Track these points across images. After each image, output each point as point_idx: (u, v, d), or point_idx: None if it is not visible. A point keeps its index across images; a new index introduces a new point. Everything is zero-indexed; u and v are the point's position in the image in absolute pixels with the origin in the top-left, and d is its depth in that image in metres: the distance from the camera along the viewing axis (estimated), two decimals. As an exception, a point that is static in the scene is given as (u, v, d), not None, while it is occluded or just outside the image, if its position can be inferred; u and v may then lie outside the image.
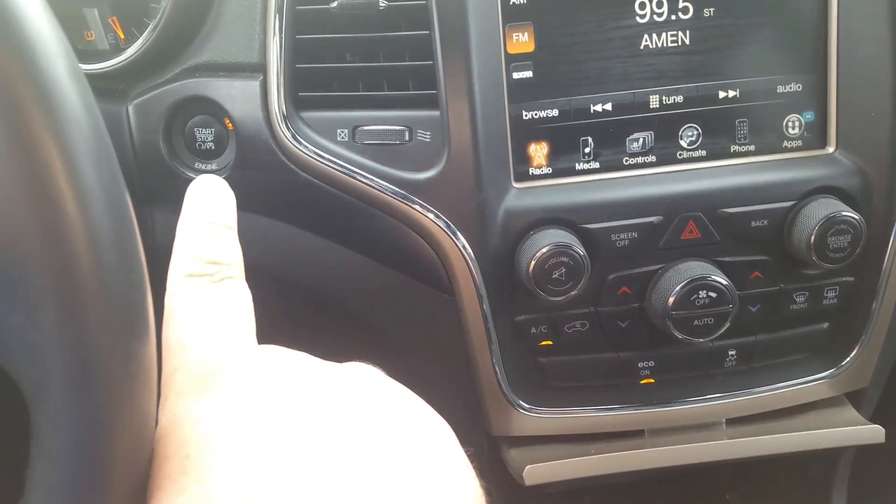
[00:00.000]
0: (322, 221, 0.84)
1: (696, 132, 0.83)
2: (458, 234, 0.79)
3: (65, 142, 0.32)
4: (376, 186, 0.79)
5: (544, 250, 0.77)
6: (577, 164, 0.83)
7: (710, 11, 0.80)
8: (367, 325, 0.91)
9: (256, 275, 0.90)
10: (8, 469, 0.36)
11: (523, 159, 0.82)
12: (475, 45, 0.76)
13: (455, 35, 0.75)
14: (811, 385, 0.91)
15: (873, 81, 0.81)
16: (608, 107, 0.82)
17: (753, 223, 0.81)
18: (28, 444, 0.35)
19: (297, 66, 0.80)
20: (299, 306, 0.95)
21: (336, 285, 0.89)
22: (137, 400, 0.36)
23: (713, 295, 0.80)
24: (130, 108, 0.84)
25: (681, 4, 0.80)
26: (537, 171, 0.82)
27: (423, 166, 0.78)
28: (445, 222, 0.79)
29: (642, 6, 0.79)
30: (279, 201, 0.84)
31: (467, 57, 0.75)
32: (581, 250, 0.77)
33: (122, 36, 0.90)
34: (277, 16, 0.79)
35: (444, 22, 0.75)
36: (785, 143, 0.84)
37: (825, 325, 0.89)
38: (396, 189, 0.79)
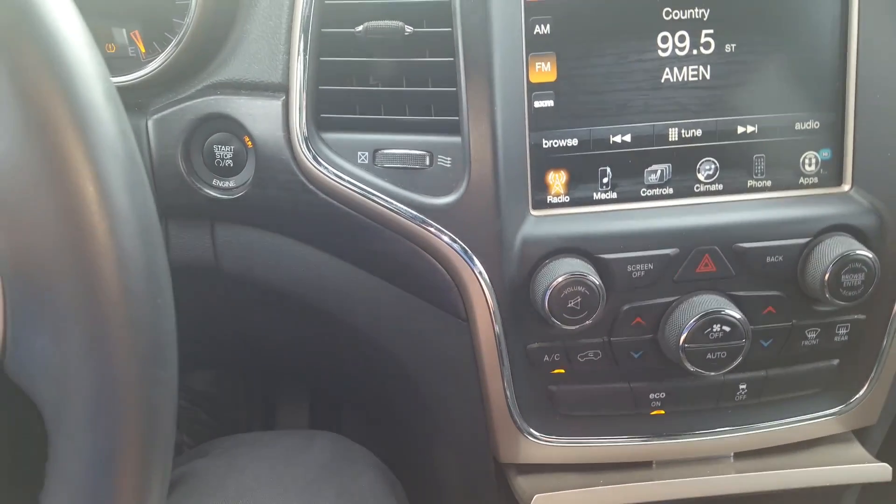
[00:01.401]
0: (338, 242, 0.85)
1: (713, 166, 0.84)
2: (475, 259, 0.79)
3: (99, 167, 0.33)
4: (395, 210, 0.79)
5: (560, 279, 0.77)
6: (594, 194, 0.83)
7: (731, 47, 0.81)
8: (379, 348, 0.91)
9: (270, 293, 0.91)
10: (21, 490, 0.36)
11: (542, 187, 0.82)
12: (498, 74, 0.76)
13: (479, 63, 0.76)
14: (820, 421, 0.91)
15: (890, 121, 0.82)
16: (627, 138, 0.82)
17: (769, 258, 0.82)
18: (44, 465, 0.34)
19: (321, 87, 0.80)
20: (312, 326, 0.95)
21: (350, 306, 0.89)
22: (160, 429, 0.36)
23: (727, 329, 0.80)
24: (150, 123, 0.84)
25: (703, 39, 0.80)
26: (555, 200, 0.83)
27: (442, 191, 0.79)
28: (463, 248, 0.79)
29: (664, 40, 0.80)
30: (296, 221, 0.84)
31: (490, 85, 0.76)
32: (597, 280, 0.78)
33: (143, 50, 0.91)
34: (302, 37, 0.79)
35: (469, 50, 0.76)
36: (801, 180, 0.85)
37: (835, 361, 0.89)
38: (415, 213, 0.79)
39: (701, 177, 0.84)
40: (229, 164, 0.86)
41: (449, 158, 0.78)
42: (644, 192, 0.84)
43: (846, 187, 0.84)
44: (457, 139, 0.78)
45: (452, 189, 0.78)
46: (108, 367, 0.32)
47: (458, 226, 0.79)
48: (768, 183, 0.84)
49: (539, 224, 0.81)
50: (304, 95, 0.79)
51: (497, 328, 0.82)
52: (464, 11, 0.75)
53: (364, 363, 0.99)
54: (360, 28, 0.78)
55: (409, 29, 0.77)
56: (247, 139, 0.84)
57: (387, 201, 0.79)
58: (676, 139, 0.83)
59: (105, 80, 0.34)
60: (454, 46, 0.76)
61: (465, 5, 0.75)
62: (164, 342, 0.35)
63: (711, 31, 0.80)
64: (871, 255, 0.80)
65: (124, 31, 0.90)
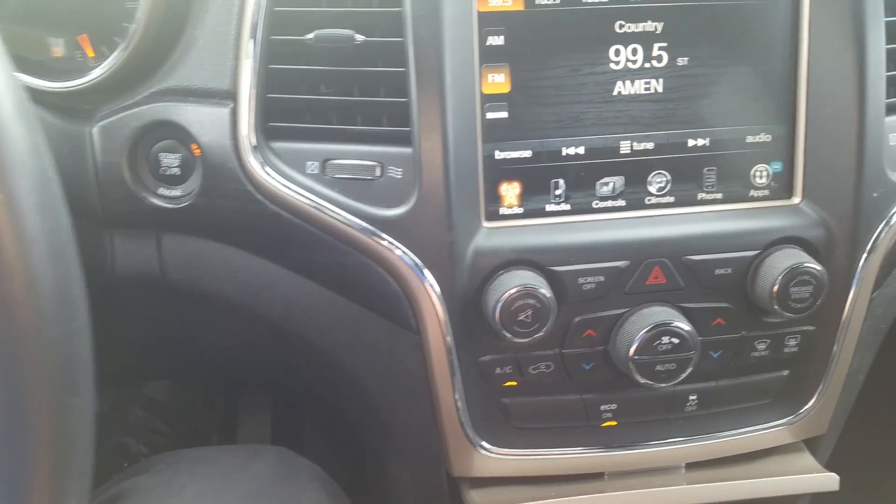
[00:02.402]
0: (287, 253, 0.83)
1: (665, 179, 0.84)
2: (426, 272, 0.78)
3: (6, 186, 0.31)
4: (344, 221, 0.78)
5: (512, 292, 0.77)
6: (547, 206, 0.83)
7: (683, 61, 0.81)
8: (331, 360, 0.89)
9: (219, 304, 0.90)
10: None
11: (494, 199, 0.82)
12: (450, 85, 0.76)
13: (430, 73, 0.75)
14: (770, 431, 0.92)
15: (840, 135, 0.83)
16: (580, 150, 0.82)
17: (717, 271, 0.82)
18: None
19: (269, 95, 0.78)
20: (263, 338, 0.93)
21: (300, 318, 0.87)
22: (75, 459, 0.34)
23: (676, 341, 0.81)
24: (95, 130, 0.82)
25: (655, 53, 0.81)
26: (508, 211, 0.82)
27: (393, 203, 0.78)
28: (414, 260, 0.78)
29: (617, 53, 0.80)
30: (244, 231, 0.83)
31: (442, 96, 0.75)
32: (548, 293, 0.77)
33: (92, 54, 0.88)
34: (251, 44, 0.78)
35: (421, 60, 0.75)
36: (752, 193, 0.85)
37: (785, 372, 0.90)
38: (365, 225, 0.78)
39: (652, 189, 0.84)
40: (176, 173, 0.84)
41: (400, 169, 0.77)
42: (596, 204, 0.84)
43: (796, 200, 0.85)
44: (408, 150, 0.77)
45: (403, 200, 0.78)
46: (17, 394, 0.30)
47: (408, 238, 0.78)
48: (719, 195, 0.85)
49: (491, 236, 0.80)
50: (253, 103, 0.78)
51: (448, 341, 0.81)
52: (415, 21, 0.74)
53: (317, 375, 0.97)
54: (310, 36, 0.76)
55: (359, 38, 0.76)
56: (194, 147, 0.82)
57: (336, 212, 0.78)
58: (628, 152, 0.83)
59: (15, 95, 0.32)
60: (406, 57, 0.75)
61: (416, 15, 0.74)
62: (78, 368, 0.33)
63: (664, 44, 0.81)
64: (819, 268, 0.80)
65: (71, 35, 0.88)
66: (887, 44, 0.83)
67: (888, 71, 0.84)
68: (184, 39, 0.83)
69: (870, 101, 0.82)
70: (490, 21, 0.78)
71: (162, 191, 0.84)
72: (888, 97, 0.86)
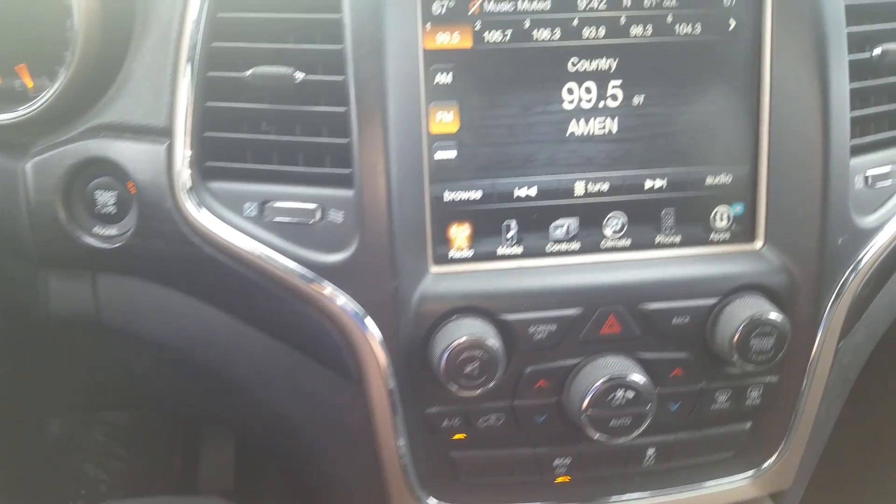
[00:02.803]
0: (225, 297, 0.79)
1: (621, 221, 0.81)
2: (369, 320, 0.74)
3: None
4: (281, 268, 0.74)
5: (458, 342, 0.73)
6: (498, 249, 0.80)
7: (639, 100, 0.78)
8: (270, 409, 0.85)
9: (153, 347, 0.85)
10: None
11: (443, 241, 0.78)
12: (394, 124, 0.72)
13: (372, 113, 0.72)
14: (734, 486, 0.88)
15: (803, 178, 0.79)
16: (532, 192, 0.79)
17: (675, 320, 0.78)
18: None
19: (206, 134, 0.75)
20: (200, 384, 0.89)
21: (238, 364, 0.83)
22: None
23: (630, 395, 0.77)
24: (28, 167, 0.79)
25: (610, 91, 0.77)
26: (458, 254, 0.79)
27: (334, 248, 0.74)
28: (355, 307, 0.74)
29: (570, 92, 0.77)
30: (181, 273, 0.79)
31: (385, 136, 0.72)
32: (496, 343, 0.74)
33: (31, 84, 0.85)
34: (188, 80, 0.74)
35: (362, 99, 0.71)
36: (712, 236, 0.82)
37: (748, 424, 0.86)
38: (303, 271, 0.74)
39: (608, 232, 0.81)
40: (112, 211, 0.80)
41: (341, 213, 0.73)
42: (550, 247, 0.80)
43: (758, 244, 0.82)
44: (349, 192, 0.73)
45: (345, 245, 0.74)
46: None
47: (350, 284, 0.74)
48: (677, 239, 0.82)
49: (438, 281, 0.77)
50: (189, 141, 0.74)
51: (392, 391, 0.77)
52: (357, 59, 0.71)
53: (259, 424, 0.93)
54: (248, 73, 0.73)
55: (299, 76, 0.73)
56: (130, 185, 0.78)
57: (273, 258, 0.74)
58: (583, 193, 0.80)
59: None
60: (347, 95, 0.72)
61: (358, 53, 0.71)
62: None
63: (619, 82, 0.78)
64: (781, 318, 0.77)
65: (9, 65, 0.84)
66: (851, 82, 0.80)
67: (852, 110, 0.81)
68: (123, 72, 0.80)
69: (833, 142, 0.79)
70: (437, 59, 0.74)
71: (97, 230, 0.80)
72: (853, 138, 0.82)
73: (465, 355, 0.73)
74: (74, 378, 1.07)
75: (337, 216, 0.73)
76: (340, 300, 0.74)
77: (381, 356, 0.75)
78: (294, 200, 0.74)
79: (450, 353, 0.73)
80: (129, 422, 1.61)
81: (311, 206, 0.74)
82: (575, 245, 0.80)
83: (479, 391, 0.74)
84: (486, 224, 0.79)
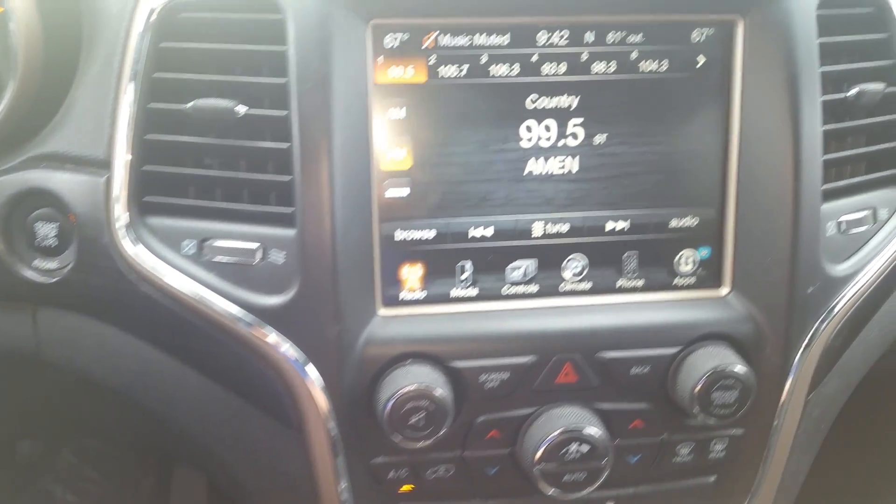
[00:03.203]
0: (164, 337, 0.76)
1: (581, 264, 0.77)
2: (310, 366, 0.71)
3: None
4: (219, 310, 0.71)
5: (402, 392, 0.69)
6: (452, 291, 0.76)
7: (601, 139, 0.75)
8: (210, 455, 0.81)
9: (90, 386, 0.82)
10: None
11: (394, 282, 0.75)
12: (341, 161, 0.69)
13: (316, 150, 0.68)
14: (697, 541, 0.84)
15: (772, 222, 0.76)
16: (488, 232, 0.75)
17: (634, 369, 0.75)
18: None
19: (145, 167, 0.71)
20: (138, 425, 0.86)
21: (178, 407, 0.80)
22: None
23: (585, 449, 0.73)
24: None
25: (570, 130, 0.74)
26: (409, 296, 0.75)
27: (274, 290, 0.71)
28: (295, 352, 0.71)
29: (528, 130, 0.74)
30: (119, 311, 0.76)
31: (330, 173, 0.68)
32: (444, 393, 0.70)
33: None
34: (128, 111, 0.71)
35: (306, 135, 0.68)
36: (676, 281, 0.79)
37: (712, 478, 0.83)
38: (242, 313, 0.71)
39: (567, 275, 0.77)
40: (52, 244, 0.77)
41: (283, 253, 0.70)
42: (506, 289, 0.77)
43: (724, 291, 0.78)
44: (292, 232, 0.69)
45: (286, 287, 0.70)
46: None
47: (290, 328, 0.70)
48: (640, 283, 0.78)
49: (387, 325, 0.73)
50: (127, 175, 0.71)
51: (334, 441, 0.73)
52: (300, 93, 0.68)
53: (203, 466, 0.89)
54: (188, 105, 0.70)
55: (241, 109, 0.69)
56: (72, 217, 0.75)
57: (210, 299, 0.71)
58: (541, 234, 0.76)
59: None
60: (290, 131, 0.69)
61: (302, 87, 0.68)
62: None
63: (580, 120, 0.74)
64: (745, 371, 0.73)
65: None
66: (826, 124, 0.77)
67: (827, 153, 0.78)
68: (67, 101, 0.76)
69: (804, 186, 0.75)
70: (389, 93, 0.71)
71: (37, 263, 0.77)
72: (827, 181, 0.79)
73: (410, 405, 0.69)
74: (30, 405, 1.04)
75: (278, 257, 0.70)
76: (280, 345, 0.70)
77: (323, 403, 0.72)
78: (234, 239, 0.71)
79: (394, 403, 0.69)
80: (101, 443, 1.57)
81: (252, 245, 0.70)
82: (533, 288, 0.77)
83: (424, 443, 0.70)
84: (440, 265, 0.75)
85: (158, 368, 0.77)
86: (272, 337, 0.71)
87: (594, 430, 0.73)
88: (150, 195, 0.72)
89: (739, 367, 0.73)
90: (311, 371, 0.71)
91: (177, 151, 0.72)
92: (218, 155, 0.72)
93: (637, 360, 0.75)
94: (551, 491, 0.73)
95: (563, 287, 0.77)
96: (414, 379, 0.70)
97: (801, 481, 0.89)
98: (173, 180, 0.72)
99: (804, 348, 0.78)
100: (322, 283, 0.69)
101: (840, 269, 0.79)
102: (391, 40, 0.70)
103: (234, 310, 0.70)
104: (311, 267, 0.69)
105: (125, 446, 1.58)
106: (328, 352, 0.71)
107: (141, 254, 0.71)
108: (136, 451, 1.59)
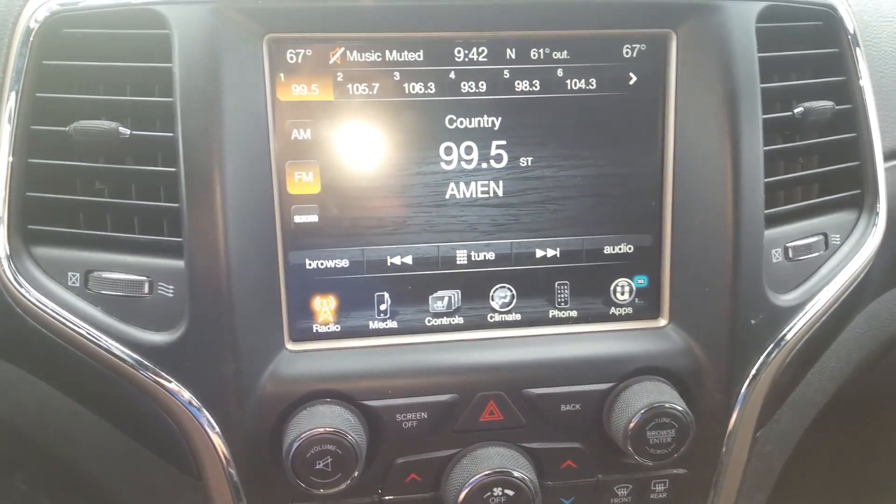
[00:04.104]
0: (55, 375, 0.70)
1: (509, 293, 0.72)
2: (203, 409, 0.65)
3: None
4: (104, 347, 0.65)
5: (306, 435, 0.64)
6: (370, 323, 0.71)
7: (527, 161, 0.70)
8: (113, 498, 0.75)
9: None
10: None
11: (305, 315, 0.69)
12: (236, 186, 0.64)
13: (203, 173, 0.63)
14: (639, 589, 0.78)
15: (711, 249, 0.71)
16: (408, 260, 0.70)
17: (563, 407, 0.70)
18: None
19: (29, 194, 0.66)
20: (33, 467, 0.80)
21: (77, 447, 0.74)
22: None
23: (510, 493, 0.67)
24: None
25: (493, 152, 0.69)
26: (323, 329, 0.70)
27: (164, 325, 0.65)
28: (187, 395, 0.65)
29: (448, 151, 0.69)
30: (9, 345, 0.70)
31: (222, 198, 0.63)
32: (354, 437, 0.65)
33: None
34: (7, 133, 0.65)
35: (191, 158, 0.63)
36: (612, 311, 0.73)
37: (654, 521, 0.77)
38: (127, 352, 0.65)
39: (496, 305, 0.72)
40: None
41: (172, 287, 0.64)
42: (430, 321, 0.71)
43: (662, 322, 0.73)
44: (180, 263, 0.64)
45: (175, 323, 0.65)
46: None
47: (180, 368, 0.65)
48: (573, 314, 0.73)
49: (295, 361, 0.68)
50: (8, 203, 0.66)
51: (236, 488, 0.67)
52: (185, 113, 0.62)
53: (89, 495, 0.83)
54: (69, 128, 0.64)
55: (125, 131, 0.64)
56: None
57: (95, 336, 0.65)
58: (465, 262, 0.71)
59: None
60: (176, 154, 0.63)
61: (186, 106, 0.62)
62: None
63: (503, 142, 0.69)
64: (681, 409, 0.68)
65: None
66: (771, 144, 0.72)
67: (773, 175, 0.73)
68: None
69: (744, 211, 0.70)
70: (294, 112, 0.66)
71: None
72: (771, 206, 0.74)
73: (316, 449, 0.64)
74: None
75: (167, 290, 0.64)
76: (169, 387, 0.65)
77: (222, 448, 0.66)
78: (121, 271, 0.65)
79: (298, 447, 0.64)
80: (54, 470, 1.51)
81: (140, 277, 0.65)
82: (458, 320, 0.72)
83: (334, 490, 0.65)
84: (356, 296, 0.70)
85: (55, 405, 0.72)
86: (161, 377, 0.65)
87: (521, 472, 0.68)
88: (35, 223, 0.67)
89: (676, 404, 0.68)
90: (207, 414, 0.65)
91: (67, 177, 0.67)
92: (108, 180, 0.66)
93: (567, 396, 0.70)
94: (474, 539, 0.67)
95: (492, 318, 0.72)
96: (321, 420, 0.65)
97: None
98: (61, 207, 0.67)
99: (749, 382, 0.73)
100: (214, 319, 0.64)
101: (788, 298, 0.74)
102: (293, 56, 0.65)
103: (118, 348, 0.65)
104: (200, 301, 0.64)
105: (79, 473, 1.51)
106: (224, 393, 0.65)
107: (24, 286, 0.66)
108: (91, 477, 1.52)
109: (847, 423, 1.20)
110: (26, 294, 0.66)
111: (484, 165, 0.70)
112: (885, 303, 0.90)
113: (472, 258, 0.71)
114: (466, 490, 0.68)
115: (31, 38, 0.64)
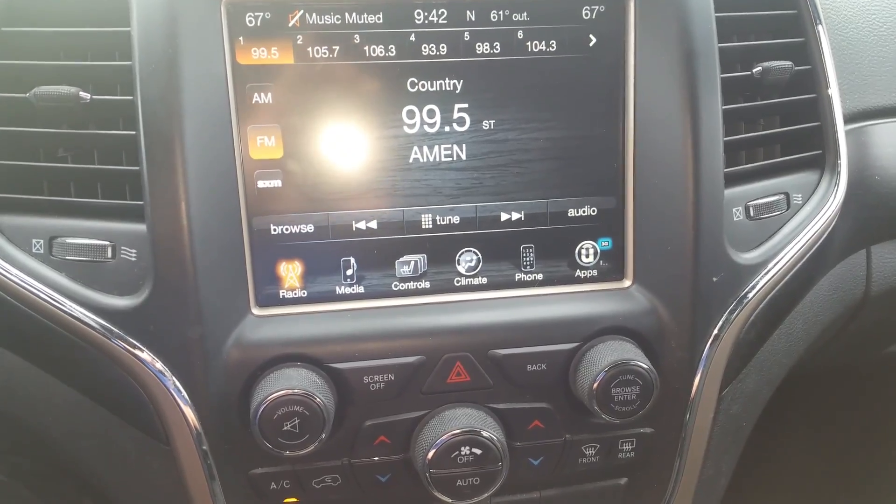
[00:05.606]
0: (20, 343, 0.70)
1: (475, 257, 0.72)
2: (168, 372, 0.65)
3: None
4: (69, 312, 0.65)
5: (272, 397, 0.64)
6: (337, 288, 0.71)
7: (489, 124, 0.70)
8: (79, 469, 0.75)
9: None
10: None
11: (271, 280, 0.69)
12: (196, 149, 0.64)
13: (164, 137, 0.63)
14: (610, 548, 0.79)
15: (672, 209, 0.72)
16: (373, 224, 0.70)
17: (529, 367, 0.70)
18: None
19: None
20: (9, 443, 0.80)
21: (44, 417, 0.74)
22: None
23: (478, 452, 0.68)
24: None
25: (455, 115, 0.69)
26: (290, 294, 0.70)
27: (128, 290, 0.65)
28: (152, 360, 0.65)
29: (411, 114, 0.69)
30: (-26, 317, 0.70)
31: (182, 162, 0.63)
32: (322, 398, 0.65)
33: None
34: None
35: (150, 121, 0.63)
36: (578, 273, 0.74)
37: (623, 480, 0.78)
38: (91, 317, 0.65)
39: (462, 269, 0.72)
40: None
41: (134, 251, 0.64)
42: (396, 286, 0.72)
43: (627, 283, 0.74)
44: (142, 227, 0.64)
45: (139, 287, 0.65)
46: None
47: (144, 332, 0.65)
48: (539, 277, 0.73)
49: (261, 326, 0.68)
50: None
51: (205, 453, 0.68)
52: (143, 76, 0.62)
53: (65, 487, 0.83)
54: (29, 94, 0.64)
55: (85, 96, 0.64)
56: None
57: (59, 302, 0.65)
58: (430, 226, 0.71)
59: None
60: (135, 117, 0.63)
61: (145, 70, 0.62)
62: None
63: (465, 105, 0.70)
64: (646, 366, 0.69)
65: None
66: (725, 104, 0.73)
67: (728, 136, 0.73)
68: None
69: (704, 170, 0.71)
70: (254, 76, 0.66)
71: None
72: (735, 164, 0.75)
73: (282, 410, 0.64)
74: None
75: (130, 254, 0.64)
76: (134, 351, 0.65)
77: (190, 413, 0.66)
78: (83, 236, 0.65)
79: (264, 409, 0.64)
80: (35, 461, 1.50)
81: (102, 242, 0.65)
82: (425, 283, 0.72)
83: (302, 451, 0.65)
84: (322, 261, 0.70)
85: (23, 376, 0.71)
86: (126, 342, 0.65)
87: (489, 431, 0.68)
88: (-1, 191, 0.67)
89: (640, 361, 0.68)
90: (173, 379, 0.65)
91: (29, 143, 0.67)
92: (70, 146, 0.66)
93: (532, 356, 0.70)
94: (443, 498, 0.68)
95: (459, 282, 0.72)
96: (287, 383, 0.65)
97: (724, 484, 0.84)
98: (23, 174, 0.67)
99: (712, 341, 0.74)
100: (178, 283, 0.64)
101: (749, 256, 0.75)
102: (252, 19, 0.65)
103: (83, 313, 0.65)
104: (163, 265, 0.64)
105: (60, 464, 1.50)
106: (189, 357, 0.66)
107: (-12, 255, 0.65)
108: (73, 468, 1.52)
109: (816, 391, 1.22)
110: (-10, 262, 0.65)
111: (447, 129, 0.70)
112: (850, 266, 0.91)
113: (437, 222, 0.71)
114: (434, 450, 0.68)
115: None
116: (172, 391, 0.66)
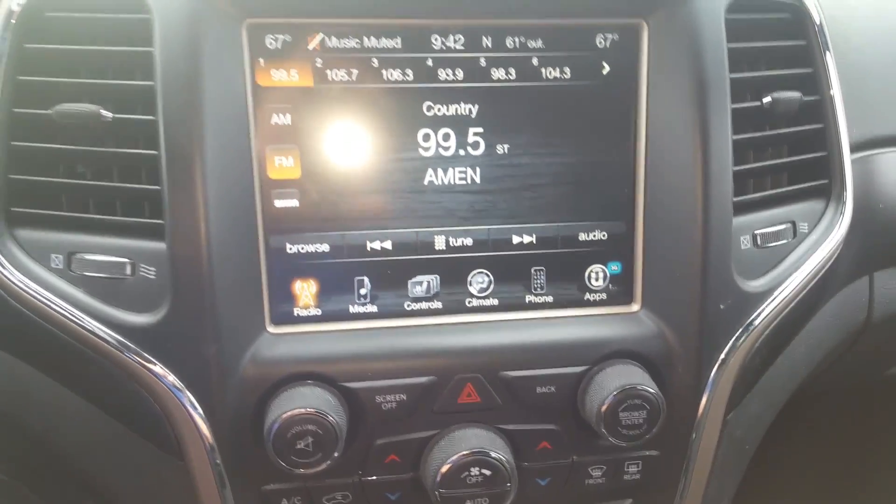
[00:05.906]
0: (38, 356, 0.71)
1: (487, 279, 0.73)
2: (185, 389, 0.66)
3: None
4: (87, 328, 0.66)
5: (287, 415, 0.65)
6: (350, 307, 0.72)
7: (503, 148, 0.71)
8: (93, 483, 0.76)
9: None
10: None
11: (286, 298, 0.70)
12: (216, 169, 0.64)
13: (185, 156, 0.64)
14: (614, 569, 0.80)
15: (681, 236, 0.73)
16: (387, 245, 0.71)
17: (539, 389, 0.71)
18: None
19: (11, 176, 0.67)
20: (14, 452, 0.80)
21: (58, 429, 0.74)
22: None
23: (487, 473, 0.69)
24: None
25: (471, 139, 0.71)
26: (304, 313, 0.71)
27: (146, 307, 0.66)
28: (169, 376, 0.66)
29: (426, 138, 0.70)
30: (-8, 328, 0.70)
31: (202, 182, 0.64)
32: (335, 417, 0.66)
33: None
34: None
35: (172, 141, 0.64)
36: (587, 297, 0.75)
37: (628, 501, 0.79)
38: (110, 333, 0.66)
39: (474, 290, 0.73)
40: None
41: (153, 268, 0.65)
42: (409, 306, 0.73)
43: (635, 307, 0.75)
44: (162, 245, 0.65)
45: (157, 305, 0.66)
46: None
47: (162, 349, 0.66)
48: (549, 299, 0.74)
49: (276, 343, 0.69)
50: None
51: (219, 469, 0.68)
52: (166, 96, 0.63)
53: (88, 492, 0.84)
54: (51, 111, 0.65)
55: (107, 115, 0.65)
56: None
57: (78, 317, 0.66)
58: (444, 248, 0.72)
59: None
60: (157, 137, 0.64)
61: (167, 89, 0.63)
62: None
63: (480, 129, 0.71)
64: (653, 391, 0.70)
65: None
66: (740, 133, 0.74)
67: (742, 164, 0.75)
68: None
69: (713, 198, 0.72)
70: (273, 97, 0.67)
71: None
72: (742, 193, 0.76)
73: (296, 429, 0.65)
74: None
75: (149, 272, 0.65)
76: (151, 367, 0.66)
77: (204, 429, 0.67)
78: (103, 253, 0.66)
79: (279, 427, 0.65)
80: (35, 454, 1.50)
81: (122, 259, 0.66)
82: (437, 304, 0.73)
83: (315, 469, 0.66)
84: (336, 280, 0.71)
85: (37, 388, 0.72)
86: (143, 359, 0.66)
87: (497, 452, 0.69)
88: (17, 206, 0.67)
89: (648, 386, 0.69)
90: (189, 395, 0.66)
91: (49, 160, 0.68)
92: (90, 163, 0.67)
93: (542, 379, 0.71)
94: (451, 519, 0.69)
95: (470, 303, 0.73)
96: (302, 401, 0.66)
97: (726, 504, 0.85)
98: (43, 190, 0.67)
99: (718, 366, 0.75)
100: (196, 300, 0.65)
101: (756, 284, 0.76)
102: (272, 41, 0.66)
103: (100, 329, 0.65)
104: (182, 283, 0.65)
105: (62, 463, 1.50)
106: (205, 374, 0.66)
107: (7, 268, 0.66)
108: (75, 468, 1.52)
109: (817, 412, 1.23)
110: (9, 276, 0.66)
111: (461, 152, 0.71)
112: (853, 292, 0.92)
113: (451, 244, 0.72)
114: (444, 470, 0.69)
115: (14, 22, 0.65)
116: (188, 406, 0.66)
